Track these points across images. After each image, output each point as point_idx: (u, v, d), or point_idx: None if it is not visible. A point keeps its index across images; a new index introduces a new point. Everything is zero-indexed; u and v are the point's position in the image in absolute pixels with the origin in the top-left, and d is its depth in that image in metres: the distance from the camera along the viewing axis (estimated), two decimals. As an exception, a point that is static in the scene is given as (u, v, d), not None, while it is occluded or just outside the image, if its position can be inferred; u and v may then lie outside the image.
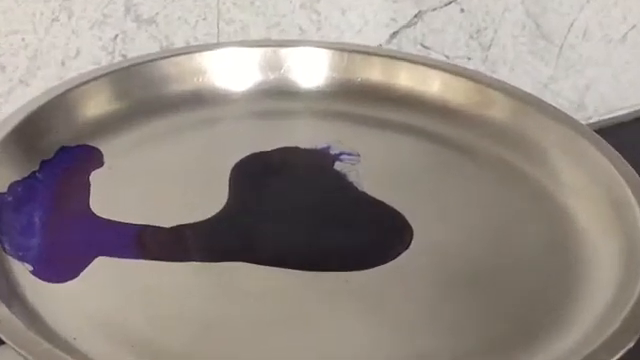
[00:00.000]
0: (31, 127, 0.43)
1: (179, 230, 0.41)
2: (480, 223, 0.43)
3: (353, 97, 0.49)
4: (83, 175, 0.43)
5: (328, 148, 0.46)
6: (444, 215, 0.43)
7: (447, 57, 0.64)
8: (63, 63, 0.53)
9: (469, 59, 0.65)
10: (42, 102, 0.45)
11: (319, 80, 0.50)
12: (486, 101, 0.49)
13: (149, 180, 0.44)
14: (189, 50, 0.51)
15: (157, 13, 0.54)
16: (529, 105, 0.48)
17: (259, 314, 0.38)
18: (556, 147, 0.46)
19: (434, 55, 0.63)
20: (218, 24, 0.56)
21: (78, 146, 0.45)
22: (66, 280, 0.38)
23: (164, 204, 0.43)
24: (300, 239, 0.42)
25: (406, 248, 0.41)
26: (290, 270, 0.39)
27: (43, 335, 0.35)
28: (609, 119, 0.72)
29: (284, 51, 0.50)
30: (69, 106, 0.45)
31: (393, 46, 0.62)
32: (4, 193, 0.41)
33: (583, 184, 0.44)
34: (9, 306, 0.35)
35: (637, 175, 0.43)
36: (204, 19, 0.56)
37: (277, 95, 0.49)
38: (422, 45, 0.63)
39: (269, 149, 0.46)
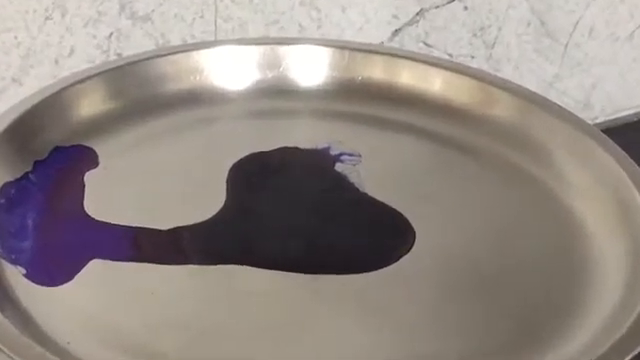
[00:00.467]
0: (24, 127, 0.43)
1: (176, 232, 0.41)
2: (484, 224, 0.43)
3: (354, 96, 0.49)
4: (77, 176, 0.43)
5: (328, 148, 0.46)
6: (447, 216, 0.43)
7: (450, 55, 0.64)
8: (57, 61, 0.53)
9: (472, 57, 0.65)
10: (35, 101, 0.44)
11: (319, 79, 0.50)
12: (490, 100, 0.48)
13: (145, 181, 0.44)
14: (186, 48, 0.51)
15: (153, 10, 0.54)
16: (534, 104, 0.48)
17: (257, 318, 0.38)
18: (562, 147, 0.46)
19: (437, 53, 0.63)
20: (216, 21, 0.56)
21: (72, 146, 0.44)
22: (60, 283, 0.38)
23: (160, 205, 0.42)
24: (300, 242, 0.41)
25: (409, 250, 0.41)
26: (289, 273, 0.39)
27: (36, 339, 0.35)
28: (616, 119, 0.72)
29: (283, 49, 0.50)
30: (63, 105, 0.45)
31: (395, 44, 0.62)
32: (-4, 194, 0.41)
33: (589, 184, 0.44)
34: (2, 310, 0.35)
35: (644, 176, 0.43)
36: (201, 16, 0.55)
37: (276, 94, 0.49)
38: (424, 43, 0.63)
39: (268, 149, 0.46)
